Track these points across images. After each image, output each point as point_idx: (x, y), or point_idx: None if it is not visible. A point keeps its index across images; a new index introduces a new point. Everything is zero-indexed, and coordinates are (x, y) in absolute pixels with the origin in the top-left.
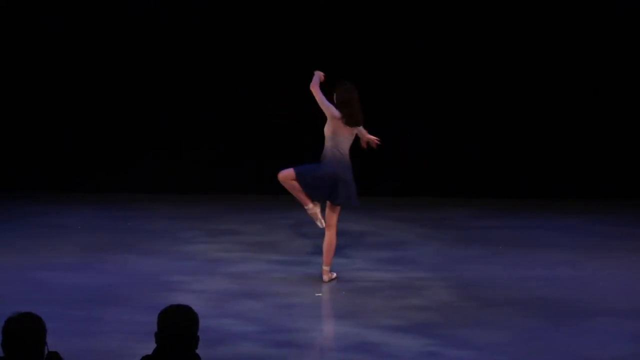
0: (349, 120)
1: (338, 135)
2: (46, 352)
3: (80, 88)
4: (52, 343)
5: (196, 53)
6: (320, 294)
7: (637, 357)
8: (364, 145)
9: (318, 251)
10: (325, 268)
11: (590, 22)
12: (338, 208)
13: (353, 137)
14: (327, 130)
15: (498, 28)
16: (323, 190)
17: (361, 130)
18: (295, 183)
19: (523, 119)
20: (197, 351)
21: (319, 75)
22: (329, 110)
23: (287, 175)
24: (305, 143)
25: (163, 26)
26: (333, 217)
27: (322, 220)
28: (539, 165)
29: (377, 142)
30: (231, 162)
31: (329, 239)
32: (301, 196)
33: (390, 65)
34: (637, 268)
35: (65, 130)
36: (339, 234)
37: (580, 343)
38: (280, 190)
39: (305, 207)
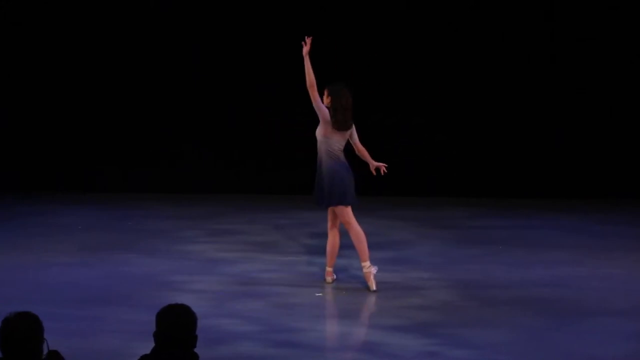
0: (340, 126)
1: (330, 137)
2: (46, 350)
3: (81, 88)
4: (52, 343)
5: (196, 54)
6: (320, 294)
7: (637, 357)
8: (373, 171)
9: (318, 251)
10: (329, 269)
11: (589, 23)
12: (340, 209)
13: (346, 138)
14: (319, 132)
15: (497, 27)
16: (321, 196)
17: (353, 132)
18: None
19: (523, 119)
20: (197, 350)
21: (309, 64)
22: (323, 114)
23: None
24: (305, 143)
25: (162, 27)
26: (342, 217)
27: (373, 283)
28: (539, 165)
29: (385, 169)
30: (231, 162)
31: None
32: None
33: (391, 65)
34: (637, 268)
35: (65, 131)
36: (341, 234)
37: (581, 342)
38: (280, 190)
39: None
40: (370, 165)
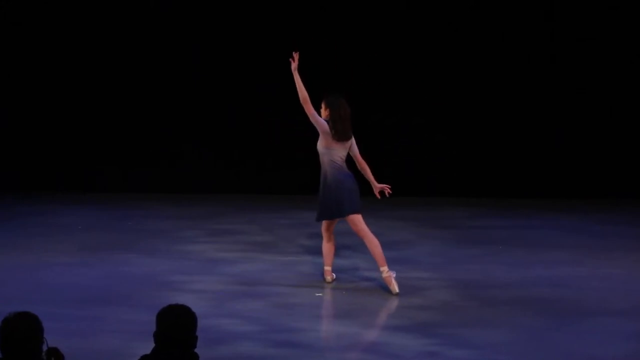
0: (341, 136)
1: (332, 149)
2: (45, 348)
3: (80, 88)
4: (52, 343)
5: (196, 54)
6: (320, 294)
7: (637, 357)
8: (377, 194)
9: (318, 251)
10: (327, 268)
11: (589, 23)
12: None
13: (347, 148)
14: (320, 145)
15: (497, 27)
16: (331, 207)
17: (353, 144)
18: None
19: (523, 119)
20: (197, 350)
21: (299, 80)
22: (322, 126)
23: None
24: (305, 143)
25: (162, 27)
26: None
27: (395, 286)
28: (539, 165)
29: (389, 190)
30: (231, 162)
31: (333, 245)
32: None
33: (391, 65)
34: (637, 268)
35: (65, 130)
36: (341, 234)
37: (581, 342)
38: (280, 190)
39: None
40: (374, 188)
